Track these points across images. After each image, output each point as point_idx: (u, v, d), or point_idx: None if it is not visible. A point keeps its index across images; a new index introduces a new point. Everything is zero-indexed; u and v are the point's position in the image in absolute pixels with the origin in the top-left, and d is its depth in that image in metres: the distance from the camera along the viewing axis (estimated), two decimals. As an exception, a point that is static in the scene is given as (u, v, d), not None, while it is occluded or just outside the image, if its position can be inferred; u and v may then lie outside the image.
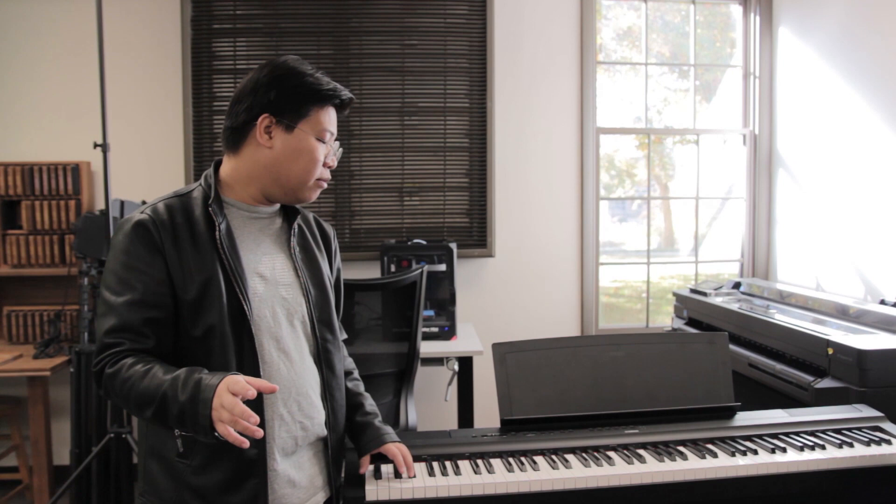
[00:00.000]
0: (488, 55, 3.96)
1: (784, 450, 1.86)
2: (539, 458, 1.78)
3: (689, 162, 4.49)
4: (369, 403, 1.80)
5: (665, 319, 4.06)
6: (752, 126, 4.36)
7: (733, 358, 2.89)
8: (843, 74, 3.62)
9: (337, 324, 1.67)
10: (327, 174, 1.57)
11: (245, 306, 1.44)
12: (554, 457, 1.78)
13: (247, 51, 3.85)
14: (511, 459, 1.78)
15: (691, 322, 3.58)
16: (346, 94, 1.56)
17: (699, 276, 4.49)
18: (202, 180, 1.55)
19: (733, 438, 1.92)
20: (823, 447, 1.88)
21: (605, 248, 4.47)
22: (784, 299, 3.30)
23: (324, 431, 1.59)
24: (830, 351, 2.46)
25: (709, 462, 1.79)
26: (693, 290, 3.65)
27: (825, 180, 3.80)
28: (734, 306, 3.23)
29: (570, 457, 1.79)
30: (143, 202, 3.58)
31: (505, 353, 1.95)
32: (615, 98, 4.41)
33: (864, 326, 2.68)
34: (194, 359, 1.41)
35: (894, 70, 3.27)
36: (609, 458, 1.79)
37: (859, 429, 1.99)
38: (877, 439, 1.92)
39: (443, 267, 3.42)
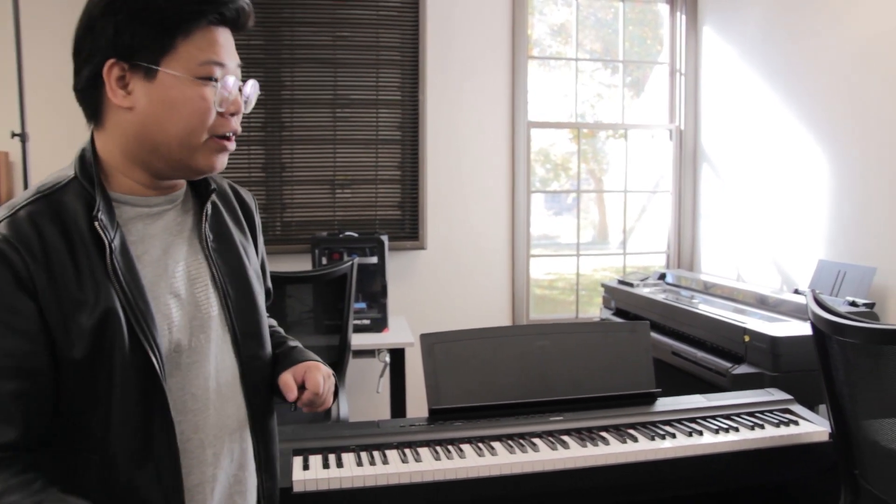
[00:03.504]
0: (420, 48, 3.97)
1: (701, 433, 1.94)
2: (466, 446, 1.81)
3: (619, 156, 4.60)
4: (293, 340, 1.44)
5: (597, 310, 4.15)
6: (679, 122, 4.48)
7: (658, 346, 2.99)
8: (762, 74, 3.76)
9: (265, 328, 1.26)
10: (231, 124, 1.09)
11: (155, 361, 1.03)
12: (480, 444, 1.82)
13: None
14: (438, 448, 1.80)
15: (619, 312, 3.67)
16: (228, 1, 1.06)
17: (629, 268, 4.60)
18: (76, 165, 1.08)
19: (654, 423, 1.99)
20: (737, 430, 1.96)
21: (541, 240, 4.54)
22: (707, 290, 3.42)
23: (254, 478, 1.22)
24: (747, 338, 2.56)
25: (630, 446, 1.85)
26: (620, 282, 3.74)
27: (746, 175, 3.94)
28: (659, 297, 3.33)
29: (496, 444, 1.83)
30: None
31: (433, 343, 1.97)
32: (550, 92, 4.47)
33: (781, 315, 2.80)
34: (81, 435, 1.02)
35: (807, 73, 3.41)
36: (534, 444, 1.83)
37: (771, 411, 2.09)
38: (786, 421, 2.01)
39: (374, 259, 3.42)
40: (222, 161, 1.11)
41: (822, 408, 1.96)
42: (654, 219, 4.65)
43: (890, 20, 2.93)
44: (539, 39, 4.46)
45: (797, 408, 2.12)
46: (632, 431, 1.93)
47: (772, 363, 2.42)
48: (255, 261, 1.29)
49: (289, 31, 3.87)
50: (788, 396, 2.18)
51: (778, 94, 3.64)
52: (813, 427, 1.99)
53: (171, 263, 1.11)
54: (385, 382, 3.30)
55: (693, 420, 2.02)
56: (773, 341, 2.42)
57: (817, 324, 1.78)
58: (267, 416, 1.24)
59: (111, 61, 1.02)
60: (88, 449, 1.02)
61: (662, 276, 3.84)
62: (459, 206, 4.11)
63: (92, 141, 1.10)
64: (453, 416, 1.93)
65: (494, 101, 4.14)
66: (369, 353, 3.28)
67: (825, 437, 1.97)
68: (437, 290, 4.10)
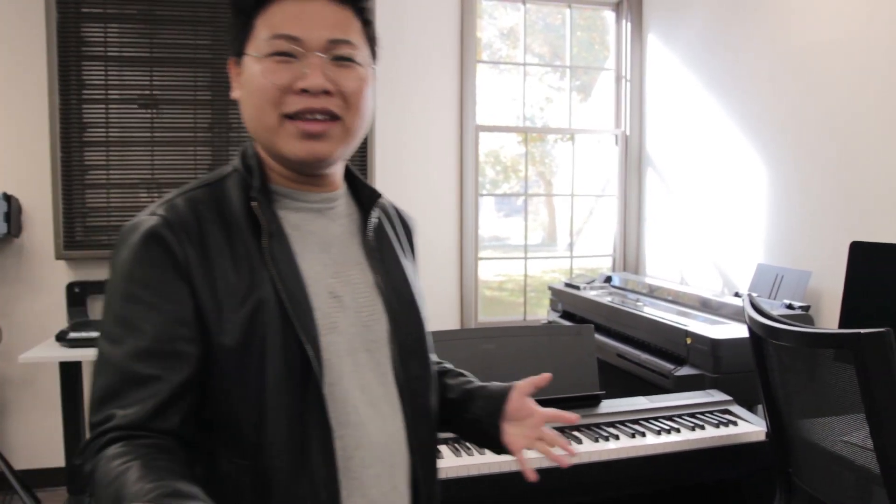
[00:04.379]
0: (370, 51, 3.96)
1: (644, 434, 1.98)
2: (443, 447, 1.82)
3: (567, 160, 4.66)
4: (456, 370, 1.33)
5: (545, 312, 4.20)
6: (624, 127, 4.56)
7: (603, 348, 3.04)
8: (704, 81, 3.86)
9: (429, 350, 1.15)
10: (303, 102, 0.98)
11: (312, 358, 0.95)
12: (442, 446, 1.83)
13: (119, 37, 3.68)
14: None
15: (566, 315, 3.72)
16: None
17: (576, 270, 4.66)
18: (238, 158, 1.06)
19: (598, 425, 2.03)
20: (679, 431, 2.01)
21: (491, 242, 4.57)
22: (652, 293, 3.49)
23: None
24: (689, 340, 2.62)
25: (574, 448, 1.88)
26: (567, 284, 3.79)
27: (689, 181, 4.03)
28: (605, 299, 3.38)
29: (441, 447, 1.84)
30: (4, 195, 3.42)
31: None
32: (499, 96, 4.51)
33: (722, 318, 2.87)
34: (230, 437, 0.94)
35: (745, 81, 3.51)
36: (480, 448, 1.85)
37: (711, 412, 2.15)
38: (725, 421, 2.07)
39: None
40: (310, 148, 1.00)
41: (761, 408, 2.02)
42: (601, 222, 4.73)
43: (822, 32, 3.03)
44: (489, 43, 4.50)
45: (736, 408, 2.19)
46: (576, 433, 1.96)
47: (712, 365, 2.49)
48: (418, 283, 1.18)
49: (236, 31, 3.81)
50: (728, 397, 2.24)
51: (718, 102, 3.74)
52: (751, 427, 2.06)
53: (331, 263, 1.05)
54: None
55: (636, 422, 2.07)
56: (714, 343, 2.49)
57: (753, 328, 1.84)
58: (429, 442, 1.13)
59: (230, 60, 1.06)
60: (237, 455, 0.94)
61: (608, 279, 3.90)
62: (408, 209, 4.08)
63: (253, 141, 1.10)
64: (401, 421, 1.93)
65: (443, 105, 4.16)
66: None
67: (762, 437, 2.03)
68: (387, 292, 4.09)
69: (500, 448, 1.20)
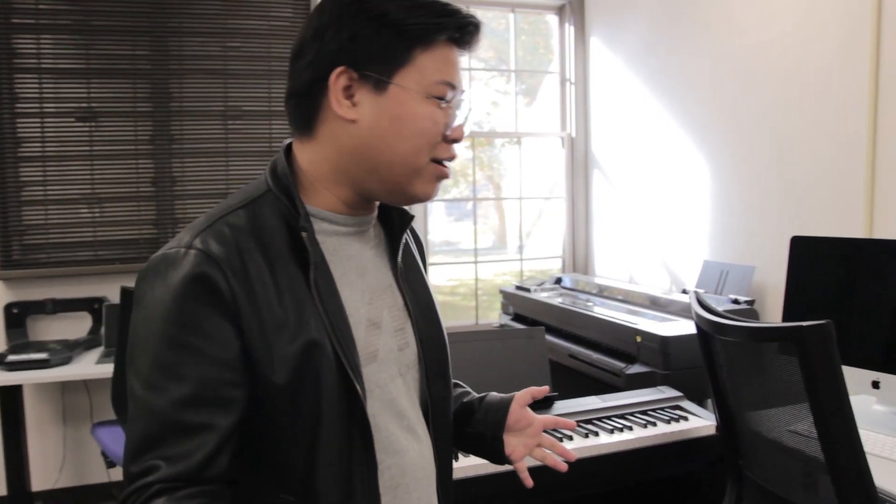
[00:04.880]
0: (314, 58, 3.93)
1: (597, 434, 1.99)
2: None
3: (514, 163, 4.68)
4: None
5: (497, 316, 4.20)
6: (570, 129, 4.61)
7: (555, 350, 3.06)
8: (646, 83, 3.92)
9: (450, 370, 1.16)
10: (451, 151, 1.02)
11: (360, 393, 0.94)
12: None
13: (53, 49, 3.58)
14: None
15: (517, 317, 3.73)
16: (468, 17, 0.99)
17: (526, 273, 4.69)
18: (268, 178, 0.99)
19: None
20: (631, 428, 2.03)
21: (442, 247, 4.57)
22: (602, 293, 3.53)
23: None
24: (638, 339, 2.65)
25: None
26: (518, 287, 3.81)
27: (634, 181, 4.09)
28: (556, 301, 3.41)
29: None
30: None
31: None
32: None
33: (670, 315, 2.92)
34: (279, 474, 0.92)
35: (685, 82, 3.58)
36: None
37: (662, 409, 2.17)
38: (676, 417, 2.10)
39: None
40: (437, 190, 1.03)
41: (711, 402, 2.05)
42: (551, 224, 4.76)
43: (758, 33, 3.11)
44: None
45: (686, 404, 2.21)
46: (531, 436, 1.96)
47: (662, 362, 2.52)
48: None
49: (176, 42, 3.75)
50: (678, 393, 2.27)
51: (661, 103, 3.80)
52: (701, 422, 2.09)
53: (367, 290, 1.03)
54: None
55: (589, 421, 2.08)
56: (663, 341, 2.52)
57: (700, 324, 1.87)
58: (449, 458, 1.15)
59: (340, 69, 0.95)
60: (286, 489, 0.92)
61: (559, 281, 3.93)
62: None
63: (288, 151, 1.02)
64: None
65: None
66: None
67: (713, 431, 2.06)
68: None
69: (501, 460, 1.22)
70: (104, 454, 2.76)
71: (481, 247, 4.62)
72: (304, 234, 0.94)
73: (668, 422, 2.07)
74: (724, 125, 3.34)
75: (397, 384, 1.04)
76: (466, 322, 4.58)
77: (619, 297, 3.37)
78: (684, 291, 3.29)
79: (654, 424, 2.06)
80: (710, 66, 3.41)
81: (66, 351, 3.06)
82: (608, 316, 2.96)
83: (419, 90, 0.96)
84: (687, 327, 2.64)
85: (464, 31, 0.98)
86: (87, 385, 3.57)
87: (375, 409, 0.98)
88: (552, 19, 4.65)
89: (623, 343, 2.76)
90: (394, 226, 1.11)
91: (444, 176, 1.02)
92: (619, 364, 2.71)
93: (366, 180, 0.99)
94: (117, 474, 3.39)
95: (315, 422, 0.91)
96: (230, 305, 0.87)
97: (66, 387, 3.55)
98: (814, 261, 2.24)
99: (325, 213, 1.00)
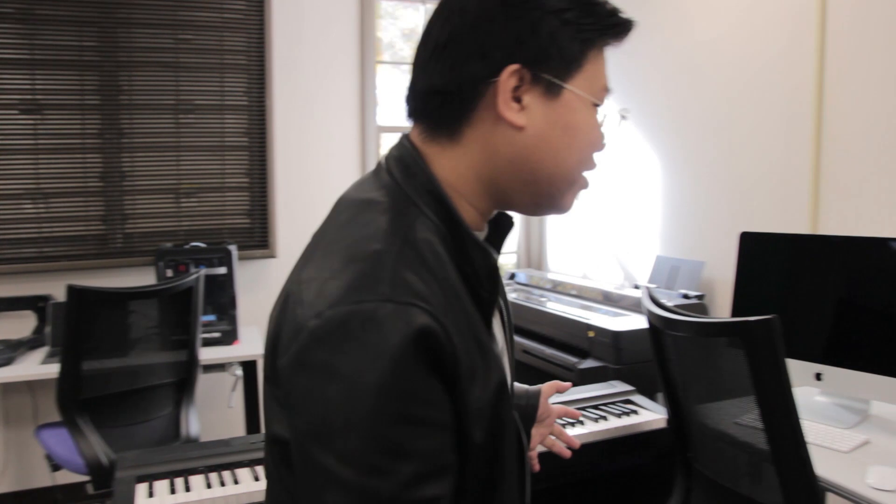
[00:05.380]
0: (267, 52, 3.88)
1: (549, 428, 2.01)
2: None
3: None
4: None
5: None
6: (524, 126, 4.63)
7: (509, 345, 3.08)
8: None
9: None
10: (596, 161, 0.91)
11: (523, 437, 0.88)
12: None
13: (-6, 39, 3.47)
14: (291, 462, 1.77)
15: (473, 313, 3.74)
16: (629, 18, 0.90)
17: (481, 269, 4.70)
18: (413, 195, 0.83)
19: (505, 422, 2.04)
20: (582, 423, 2.05)
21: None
22: (556, 288, 3.56)
23: None
24: (591, 334, 2.68)
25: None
26: (474, 283, 3.82)
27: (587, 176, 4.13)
28: (510, 296, 3.43)
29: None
30: None
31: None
32: (401, 96, 4.49)
33: (623, 310, 2.96)
34: None
35: (637, 80, 3.63)
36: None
37: (614, 403, 2.20)
38: (627, 411, 2.13)
39: (223, 270, 3.31)
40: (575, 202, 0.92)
41: (662, 396, 2.09)
42: (505, 220, 4.78)
43: (707, 31, 3.16)
44: (391, 42, 4.48)
45: (638, 398, 2.25)
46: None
47: (614, 356, 2.55)
48: None
49: (125, 33, 3.67)
50: (630, 387, 2.30)
51: (613, 100, 3.84)
52: (652, 415, 2.12)
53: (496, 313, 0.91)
54: (238, 396, 3.20)
55: (542, 416, 2.09)
56: (615, 336, 2.56)
57: (651, 319, 1.90)
58: None
59: (515, 67, 0.81)
60: None
61: (513, 276, 3.95)
62: (310, 212, 4.05)
63: (422, 156, 0.86)
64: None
65: (344, 106, 4.12)
66: (220, 367, 3.17)
67: (663, 424, 2.10)
68: (292, 298, 4.01)
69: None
70: (48, 457, 2.69)
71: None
72: (496, 269, 0.83)
73: (620, 416, 2.10)
74: (675, 123, 3.40)
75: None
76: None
77: (573, 293, 3.41)
78: (636, 286, 3.34)
79: (606, 418, 2.08)
80: (661, 63, 3.46)
81: (9, 351, 2.98)
82: (561, 311, 2.99)
83: (588, 96, 0.86)
84: (639, 322, 2.67)
85: (626, 34, 0.89)
86: (30, 386, 3.47)
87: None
88: (507, 16, 4.67)
89: (576, 338, 2.79)
90: (501, 232, 0.98)
91: (587, 187, 0.91)
92: (572, 359, 2.73)
93: (517, 192, 0.87)
94: (63, 477, 3.30)
95: (499, 480, 0.82)
96: (449, 365, 0.73)
97: (7, 388, 3.45)
98: (761, 256, 2.29)
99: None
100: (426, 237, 0.79)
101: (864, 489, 1.63)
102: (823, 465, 1.71)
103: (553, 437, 1.26)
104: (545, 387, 1.24)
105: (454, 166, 0.85)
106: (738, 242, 2.32)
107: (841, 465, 1.75)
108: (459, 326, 0.75)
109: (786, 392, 1.54)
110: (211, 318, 3.27)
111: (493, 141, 0.83)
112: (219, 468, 1.74)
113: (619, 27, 0.87)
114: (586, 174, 0.90)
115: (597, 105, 0.87)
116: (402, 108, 0.90)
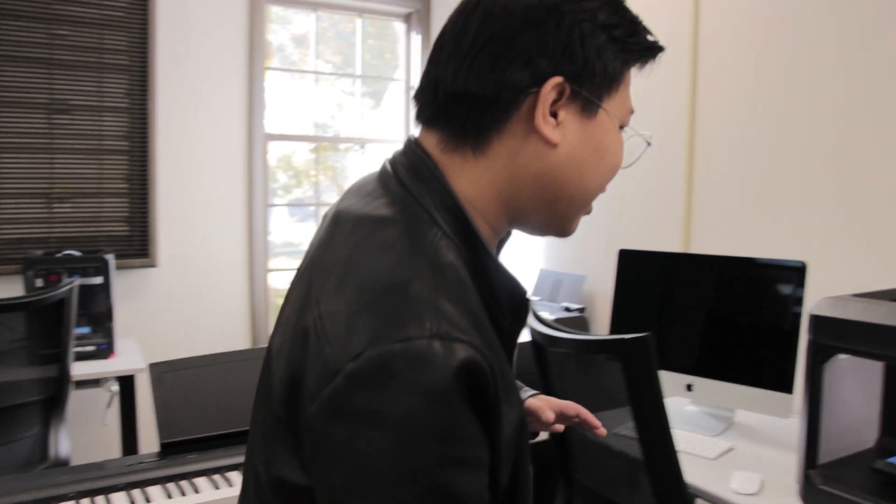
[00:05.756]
0: (150, 53, 3.74)
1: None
2: (200, 480, 1.74)
3: (359, 168, 4.68)
4: None
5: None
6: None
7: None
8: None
9: None
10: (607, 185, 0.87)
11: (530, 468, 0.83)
12: (216, 476, 1.75)
13: None
14: (170, 485, 1.71)
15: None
16: (658, 41, 0.84)
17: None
18: (433, 212, 0.76)
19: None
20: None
21: (285, 248, 4.47)
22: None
23: None
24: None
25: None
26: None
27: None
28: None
29: (232, 474, 1.77)
30: None
31: (163, 372, 1.87)
32: (291, 102, 4.42)
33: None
34: None
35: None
36: (273, 470, 1.81)
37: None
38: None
39: (99, 280, 3.16)
40: None
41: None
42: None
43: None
44: (282, 47, 4.41)
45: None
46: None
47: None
48: None
49: (-8, 24, 3.45)
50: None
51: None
52: (534, 427, 2.17)
53: None
54: (114, 414, 3.05)
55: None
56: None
57: (534, 335, 1.95)
58: None
59: (559, 79, 0.74)
60: None
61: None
62: (194, 220, 3.92)
63: (442, 172, 0.78)
64: (187, 449, 1.84)
65: (231, 112, 4.01)
66: (94, 382, 3.02)
67: (545, 436, 2.15)
68: (171, 309, 3.88)
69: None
70: None
71: (325, 251, 4.57)
72: (527, 300, 0.79)
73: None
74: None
75: None
76: (309, 328, 4.49)
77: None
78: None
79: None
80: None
81: None
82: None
83: (619, 118, 0.81)
84: (523, 335, 2.74)
85: (658, 56, 0.84)
86: None
87: None
88: (399, 27, 4.69)
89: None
90: (500, 243, 0.94)
91: (590, 212, 0.88)
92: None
93: (534, 212, 0.82)
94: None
95: None
96: (493, 401, 0.67)
97: None
98: (638, 272, 2.40)
99: None
100: (451, 261, 0.72)
101: (729, 494, 1.74)
102: (693, 472, 1.81)
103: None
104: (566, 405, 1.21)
105: (475, 180, 0.78)
106: (617, 258, 2.42)
107: (708, 472, 1.86)
108: (496, 360, 0.69)
109: (658, 403, 1.62)
110: (85, 330, 3.11)
111: (522, 156, 0.77)
112: (91, 493, 1.66)
113: (655, 49, 0.82)
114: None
115: (624, 126, 0.83)
116: (415, 108, 0.82)
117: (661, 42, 0.83)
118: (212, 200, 3.97)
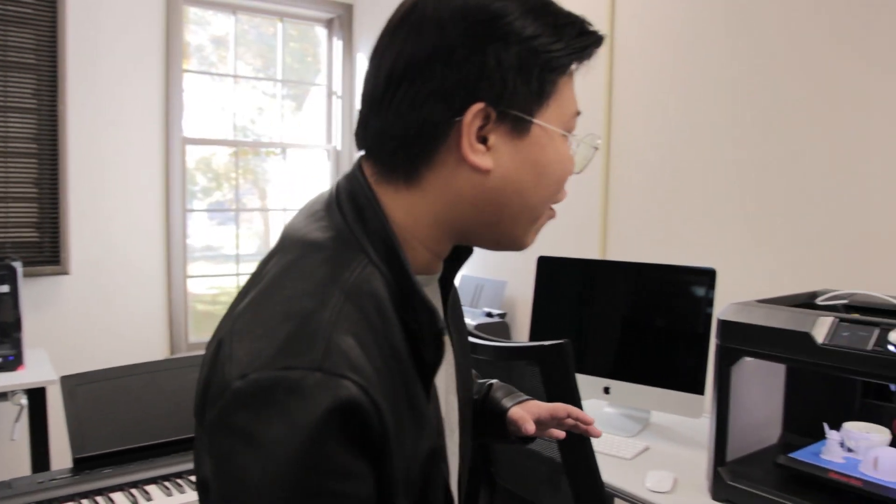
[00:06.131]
0: (60, 51, 3.60)
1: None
2: (117, 495, 1.69)
3: (279, 173, 4.62)
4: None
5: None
6: (335, 142, 4.64)
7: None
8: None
9: None
10: (566, 192, 0.85)
11: (453, 490, 0.85)
12: (133, 490, 1.71)
13: None
14: (85, 501, 1.66)
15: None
16: (600, 32, 0.80)
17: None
18: (363, 241, 0.76)
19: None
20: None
21: (205, 251, 4.38)
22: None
23: None
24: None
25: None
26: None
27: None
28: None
29: (150, 487, 1.74)
30: None
31: (75, 385, 1.82)
32: (210, 105, 4.33)
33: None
34: None
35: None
36: (192, 481, 1.77)
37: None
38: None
39: (5, 288, 3.02)
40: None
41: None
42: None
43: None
44: (201, 47, 4.31)
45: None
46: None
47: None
48: None
49: None
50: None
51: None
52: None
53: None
54: (23, 428, 2.92)
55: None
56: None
57: (457, 340, 1.97)
58: None
59: (479, 106, 0.73)
60: None
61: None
62: (108, 226, 3.79)
63: (376, 197, 0.78)
64: (103, 463, 1.79)
65: (148, 115, 3.90)
66: (1, 395, 2.88)
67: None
68: (85, 318, 3.74)
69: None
70: None
71: (246, 252, 4.50)
72: (445, 339, 0.78)
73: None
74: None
75: (454, 445, 0.93)
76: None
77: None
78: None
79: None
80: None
81: None
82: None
83: (559, 127, 0.79)
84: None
85: (597, 51, 0.80)
86: None
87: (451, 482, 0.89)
88: (321, 31, 4.66)
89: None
90: (460, 259, 0.93)
91: (553, 216, 0.86)
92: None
93: (478, 234, 0.82)
94: None
95: None
96: (377, 441, 0.68)
97: None
98: (557, 278, 2.46)
99: (421, 278, 0.81)
100: (372, 291, 0.72)
101: (644, 493, 1.80)
102: (610, 472, 1.87)
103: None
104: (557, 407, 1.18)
105: (410, 210, 0.78)
106: (537, 265, 2.47)
107: (625, 472, 1.92)
108: (394, 396, 0.70)
109: (576, 406, 1.67)
110: (-11, 341, 2.97)
111: (456, 184, 0.77)
112: (-2, 512, 1.59)
113: (590, 47, 0.79)
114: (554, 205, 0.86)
115: (567, 135, 0.81)
116: (353, 141, 0.83)
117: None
118: (127, 205, 3.85)
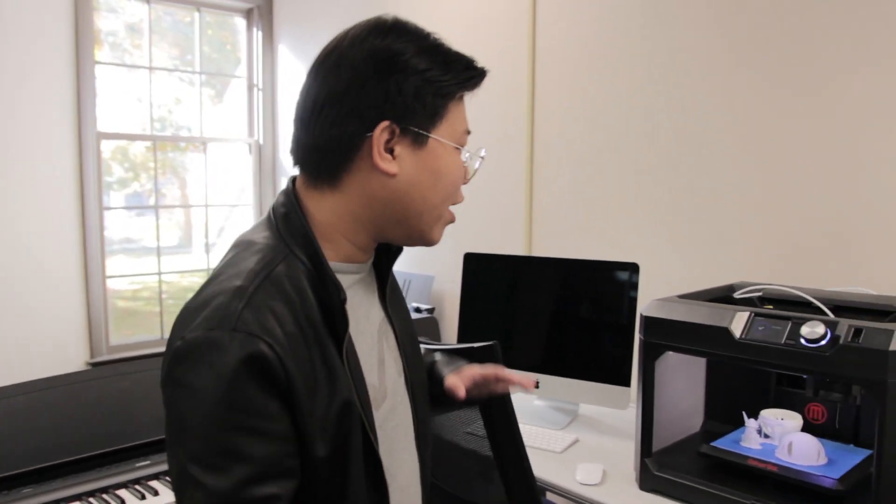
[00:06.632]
0: (-41, 43, 3.41)
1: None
2: (37, 515, 1.63)
3: (199, 168, 4.50)
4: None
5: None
6: (257, 136, 4.55)
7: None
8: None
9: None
10: (462, 196, 1.08)
11: (374, 444, 0.97)
12: (55, 509, 1.65)
13: None
14: (2, 523, 1.60)
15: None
16: (483, 68, 1.04)
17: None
18: (282, 234, 0.97)
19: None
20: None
21: (124, 244, 4.23)
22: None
23: None
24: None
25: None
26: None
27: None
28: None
29: (121, 492, 1.68)
30: None
31: (-11, 402, 1.73)
32: (125, 97, 4.17)
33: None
34: None
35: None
36: (119, 497, 1.72)
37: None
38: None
39: None
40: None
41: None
42: (238, 230, 4.66)
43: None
44: (111, 34, 4.13)
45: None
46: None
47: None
48: None
49: None
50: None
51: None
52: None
53: (373, 332, 1.06)
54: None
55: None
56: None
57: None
58: (428, 478, 1.18)
59: (385, 123, 0.94)
60: None
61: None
62: (16, 230, 3.60)
63: (300, 201, 0.99)
64: (21, 483, 1.72)
65: (58, 110, 3.73)
66: None
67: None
68: (-5, 327, 3.56)
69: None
70: None
71: (167, 245, 4.37)
72: (346, 307, 0.94)
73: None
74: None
75: (398, 418, 1.08)
76: (150, 338, 4.29)
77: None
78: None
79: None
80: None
81: None
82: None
83: (451, 142, 1.00)
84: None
85: (480, 83, 1.03)
86: None
87: (384, 452, 1.01)
88: (240, 22, 4.55)
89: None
90: (384, 257, 1.12)
91: (453, 220, 1.07)
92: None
93: (390, 229, 1.02)
94: None
95: (344, 488, 0.94)
96: (282, 385, 0.86)
97: None
98: (484, 274, 2.48)
99: (340, 265, 1.01)
100: (291, 274, 0.92)
101: (575, 486, 1.84)
102: (541, 466, 1.90)
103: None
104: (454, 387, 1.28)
105: (334, 209, 0.99)
106: (463, 262, 2.49)
107: (555, 465, 1.95)
108: (309, 355, 0.90)
109: (506, 404, 1.68)
110: None
111: (370, 186, 0.97)
112: None
113: (473, 80, 1.01)
114: (452, 209, 1.06)
115: (460, 148, 1.02)
116: (276, 135, 0.99)
117: (500, 58, 1.01)
118: (38, 205, 3.68)
